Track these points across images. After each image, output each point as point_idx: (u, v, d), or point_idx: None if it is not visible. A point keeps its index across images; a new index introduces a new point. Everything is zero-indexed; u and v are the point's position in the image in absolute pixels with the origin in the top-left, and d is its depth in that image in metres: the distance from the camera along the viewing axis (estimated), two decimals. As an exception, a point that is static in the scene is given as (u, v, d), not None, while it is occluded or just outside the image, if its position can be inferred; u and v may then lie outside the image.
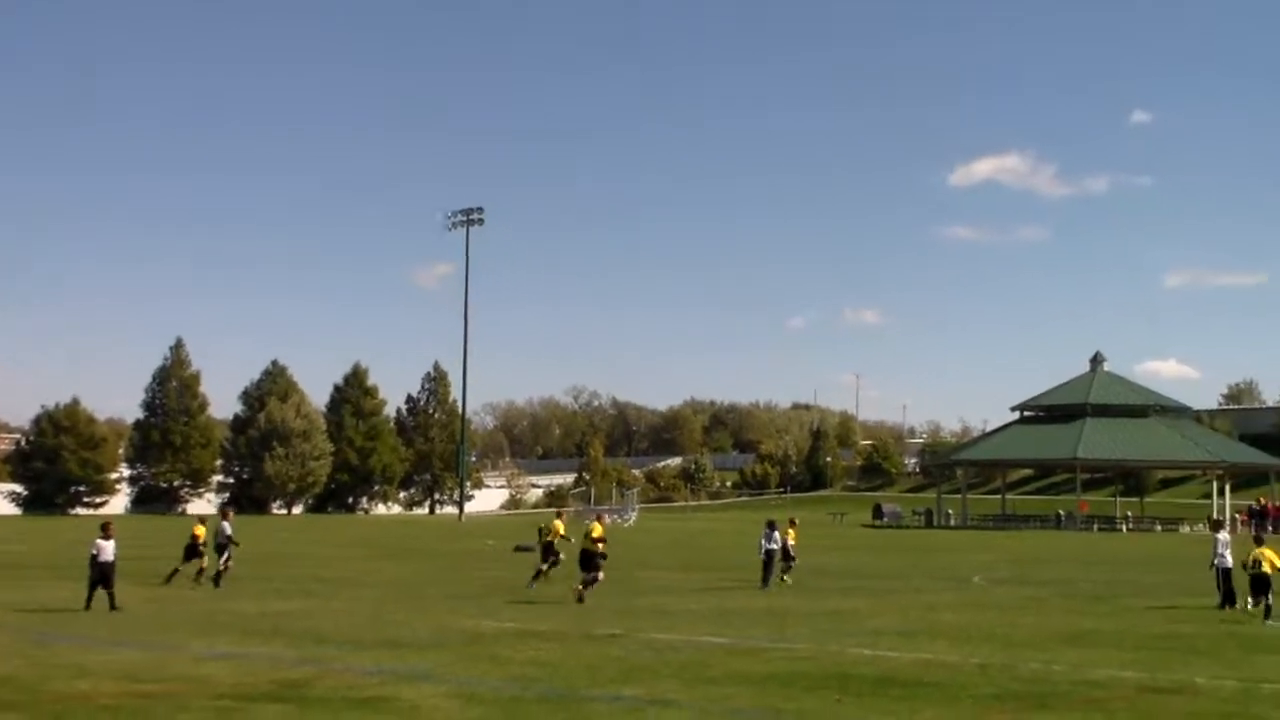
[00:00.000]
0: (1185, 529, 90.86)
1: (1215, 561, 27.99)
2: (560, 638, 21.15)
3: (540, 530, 30.64)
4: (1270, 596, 25.40)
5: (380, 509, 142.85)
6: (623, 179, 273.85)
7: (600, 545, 28.78)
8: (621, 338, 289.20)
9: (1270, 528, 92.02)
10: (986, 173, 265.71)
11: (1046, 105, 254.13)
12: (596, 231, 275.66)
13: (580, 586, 28.13)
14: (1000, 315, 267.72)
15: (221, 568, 31.42)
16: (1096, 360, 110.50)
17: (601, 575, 28.54)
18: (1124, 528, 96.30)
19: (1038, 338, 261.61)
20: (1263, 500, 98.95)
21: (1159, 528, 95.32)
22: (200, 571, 32.05)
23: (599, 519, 31.03)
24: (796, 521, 39.58)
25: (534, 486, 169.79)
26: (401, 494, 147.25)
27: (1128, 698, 15.21)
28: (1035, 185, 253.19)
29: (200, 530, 32.79)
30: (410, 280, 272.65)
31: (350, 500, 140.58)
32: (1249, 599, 26.26)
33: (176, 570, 32.06)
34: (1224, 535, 28.75)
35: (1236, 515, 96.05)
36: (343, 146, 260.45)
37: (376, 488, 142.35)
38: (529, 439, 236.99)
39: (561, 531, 32.47)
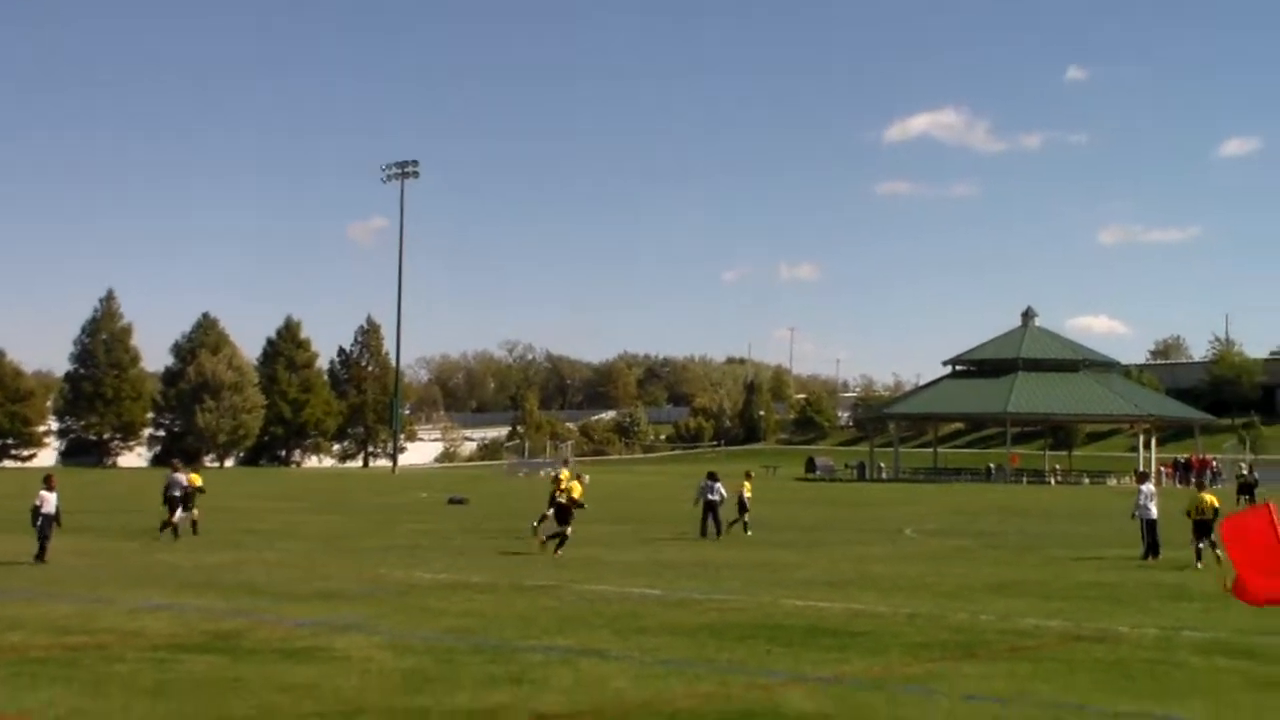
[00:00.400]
0: (1112, 482, 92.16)
1: (1137, 513, 28.54)
2: (493, 589, 21.23)
3: (555, 480, 30.39)
4: (1214, 537, 25.78)
5: (313, 461, 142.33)
6: (557, 133, 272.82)
7: (574, 500, 29.15)
8: (556, 291, 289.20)
9: (1194, 480, 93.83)
10: (921, 128, 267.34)
11: (981, 61, 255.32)
12: (531, 185, 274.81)
13: (546, 538, 28.57)
14: (934, 270, 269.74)
15: (195, 518, 31.67)
16: (1028, 315, 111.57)
17: (570, 532, 28.51)
18: (1053, 480, 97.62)
19: (971, 293, 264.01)
20: (1190, 454, 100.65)
21: (1087, 481, 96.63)
22: (195, 525, 32.61)
23: (579, 478, 31.08)
24: (752, 474, 40.24)
25: (468, 440, 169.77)
26: (335, 447, 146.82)
27: (1053, 646, 15.47)
28: (970, 141, 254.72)
29: (196, 479, 33.51)
30: (345, 234, 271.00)
31: (283, 453, 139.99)
32: (1197, 547, 26.84)
33: (170, 523, 31.45)
34: (1148, 487, 29.30)
35: (1163, 469, 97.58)
36: (276, 99, 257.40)
37: (309, 440, 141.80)
38: (463, 392, 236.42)
39: (578, 494, 30.72)
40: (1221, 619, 17.84)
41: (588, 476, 33.57)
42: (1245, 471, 62.28)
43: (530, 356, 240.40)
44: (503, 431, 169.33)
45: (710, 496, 34.18)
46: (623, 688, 12.42)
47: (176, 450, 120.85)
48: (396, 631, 16.08)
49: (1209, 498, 27.13)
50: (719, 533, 33.86)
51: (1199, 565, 26.23)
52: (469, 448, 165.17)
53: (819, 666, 13.75)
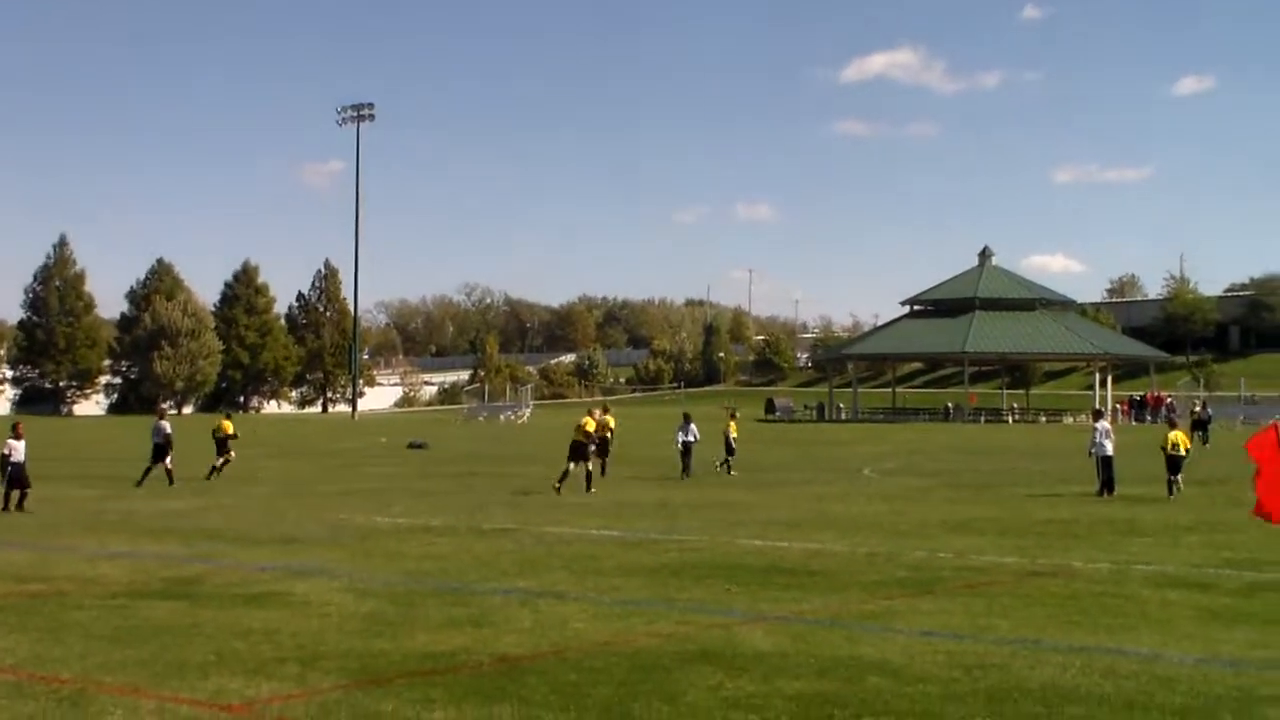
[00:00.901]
0: (1069, 420, 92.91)
1: (1093, 450, 28.82)
2: (452, 532, 21.26)
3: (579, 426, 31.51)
4: (1182, 473, 28.00)
5: (272, 407, 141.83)
6: (513, 75, 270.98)
7: (589, 436, 30.14)
8: (515, 234, 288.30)
9: (1166, 418, 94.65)
10: (878, 68, 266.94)
11: (936, 1, 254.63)
12: (488, 128, 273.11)
13: (558, 482, 29.40)
14: (891, 210, 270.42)
15: (169, 466, 31.69)
16: (985, 255, 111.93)
17: (572, 468, 29.58)
18: (1010, 419, 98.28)
19: (928, 232, 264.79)
20: (1145, 391, 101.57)
21: (1044, 419, 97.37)
22: (225, 465, 34.64)
23: (590, 413, 31.64)
24: (737, 415, 40.77)
25: (427, 384, 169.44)
26: (294, 392, 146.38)
27: (1008, 582, 15.63)
28: (926, 81, 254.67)
29: (228, 425, 35.47)
30: (301, 177, 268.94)
31: (242, 399, 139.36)
32: (1169, 480, 27.95)
33: (215, 467, 34.29)
34: (1103, 424, 29.52)
35: (1119, 406, 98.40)
36: (231, 42, 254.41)
37: (268, 386, 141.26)
38: (423, 337, 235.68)
39: (612, 425, 34.89)
40: (1172, 553, 18.07)
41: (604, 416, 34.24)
42: (1199, 408, 62.93)
43: (489, 300, 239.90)
44: (462, 376, 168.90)
45: (685, 438, 34.85)
46: (582, 628, 12.48)
47: (123, 398, 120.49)
48: (356, 575, 16.10)
49: (1180, 435, 28.63)
50: (684, 472, 34.41)
51: (1171, 497, 27.16)
52: (428, 392, 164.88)
53: (777, 605, 13.86)
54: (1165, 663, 10.84)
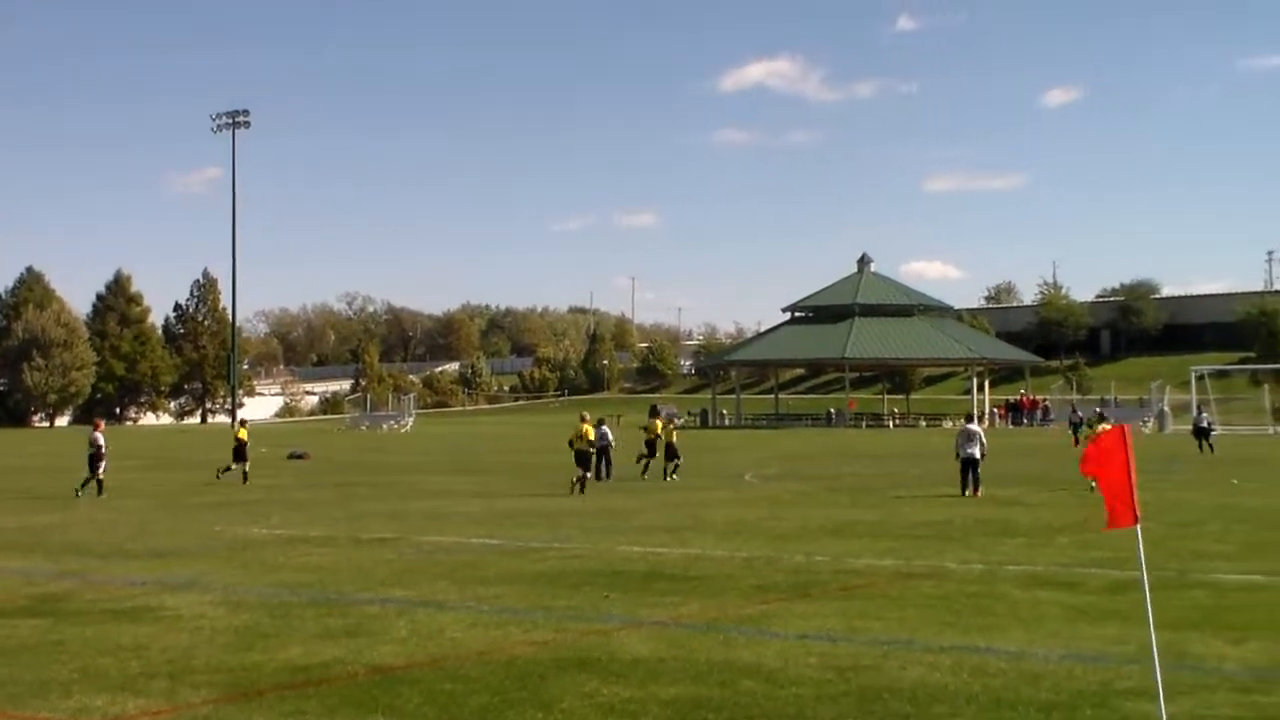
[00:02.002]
0: (947, 424, 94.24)
1: (960, 453, 29.49)
2: (331, 543, 21.04)
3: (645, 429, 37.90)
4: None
5: (149, 419, 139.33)
6: (394, 82, 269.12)
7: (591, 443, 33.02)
8: (396, 242, 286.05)
9: (1025, 420, 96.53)
10: (757, 77, 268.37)
11: (814, 10, 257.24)
12: (369, 135, 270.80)
13: (576, 480, 31.71)
14: (772, 218, 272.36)
15: (100, 475, 31.87)
16: (864, 261, 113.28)
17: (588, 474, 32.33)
18: (891, 424, 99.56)
19: (809, 240, 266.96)
20: (1021, 394, 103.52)
21: (923, 423, 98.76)
22: (245, 475, 36.49)
23: (583, 419, 34.01)
24: (676, 420, 41.73)
25: (309, 394, 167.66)
26: (172, 403, 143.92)
27: (883, 584, 15.83)
28: (804, 90, 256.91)
29: (243, 433, 38.03)
30: (177, 185, 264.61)
31: (118, 410, 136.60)
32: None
33: (229, 468, 37.05)
34: (972, 427, 30.20)
35: (995, 410, 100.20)
36: (105, 48, 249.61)
37: (145, 397, 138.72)
38: (303, 346, 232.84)
39: (658, 430, 37.68)
40: (1043, 553, 18.44)
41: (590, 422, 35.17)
42: (1074, 412, 64.40)
43: (371, 308, 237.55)
44: (344, 385, 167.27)
45: (602, 443, 35.51)
46: (459, 637, 12.43)
47: (14, 411, 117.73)
48: (231, 587, 15.87)
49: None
50: (609, 475, 35.63)
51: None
52: (310, 402, 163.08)
53: (655, 611, 13.91)
54: (1032, 660, 11.06)
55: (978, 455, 29.43)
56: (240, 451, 37.29)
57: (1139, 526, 8.54)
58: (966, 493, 29.05)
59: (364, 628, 12.94)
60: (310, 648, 11.89)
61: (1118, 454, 8.28)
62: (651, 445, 37.69)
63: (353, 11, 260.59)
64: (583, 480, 31.83)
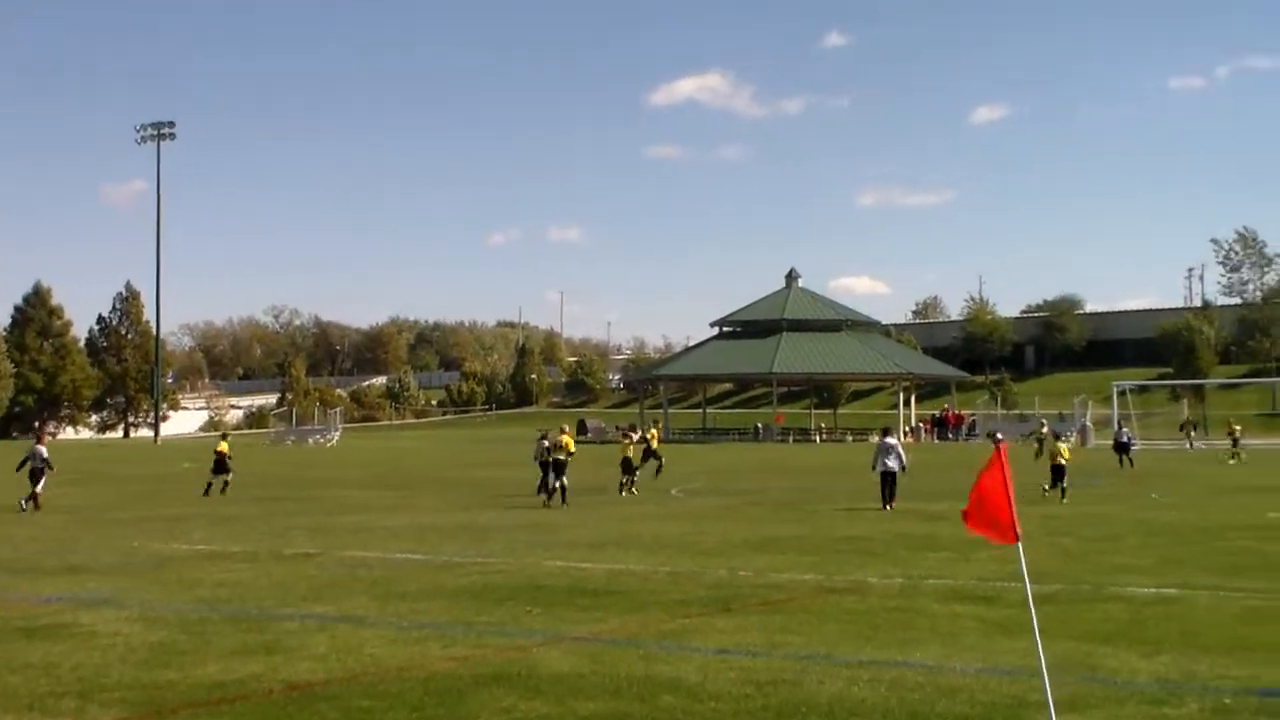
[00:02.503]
0: (873, 438, 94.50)
1: (877, 466, 30.16)
2: (253, 558, 20.84)
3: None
4: (1065, 482, 32.22)
5: (70, 433, 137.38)
6: (321, 94, 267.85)
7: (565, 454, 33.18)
8: (324, 256, 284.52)
9: (951, 435, 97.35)
10: (688, 92, 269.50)
11: (745, 26, 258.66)
12: (295, 148, 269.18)
13: (547, 495, 32.71)
14: (702, 233, 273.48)
15: (39, 490, 31.81)
16: (792, 277, 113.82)
17: (565, 482, 32.79)
18: (818, 439, 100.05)
19: (738, 255, 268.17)
20: (945, 408, 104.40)
21: (850, 438, 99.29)
22: (226, 485, 37.21)
23: (564, 431, 34.31)
24: (658, 423, 42.51)
25: (234, 408, 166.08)
26: (93, 417, 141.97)
27: (805, 598, 15.90)
28: (735, 105, 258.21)
29: (224, 446, 38.49)
30: (101, 198, 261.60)
31: (37, 424, 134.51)
32: (1045, 486, 32.80)
33: (210, 484, 37.26)
34: (890, 440, 30.64)
35: (921, 424, 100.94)
36: (29, 58, 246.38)
37: (66, 411, 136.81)
38: (229, 359, 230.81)
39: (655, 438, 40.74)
40: (964, 568, 18.58)
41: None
42: (1118, 431, 64.81)
43: (298, 322, 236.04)
44: (270, 399, 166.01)
45: (546, 458, 35.24)
46: (378, 653, 12.36)
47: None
48: (148, 604, 15.68)
49: (1063, 447, 33.44)
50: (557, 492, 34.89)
51: (1063, 501, 31.42)
52: (235, 416, 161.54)
53: (577, 626, 13.89)
54: (948, 673, 11.15)
55: (895, 469, 30.05)
56: (221, 464, 37.65)
57: (1020, 544, 8.66)
58: (887, 507, 29.48)
59: (282, 644, 12.83)
60: (226, 665, 11.78)
61: (996, 474, 8.40)
62: (628, 463, 36.89)
63: (281, 23, 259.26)
64: (547, 489, 32.91)
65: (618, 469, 36.42)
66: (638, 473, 37.42)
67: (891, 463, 30.12)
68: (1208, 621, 13.81)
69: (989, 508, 8.43)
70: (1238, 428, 60.65)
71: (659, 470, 40.33)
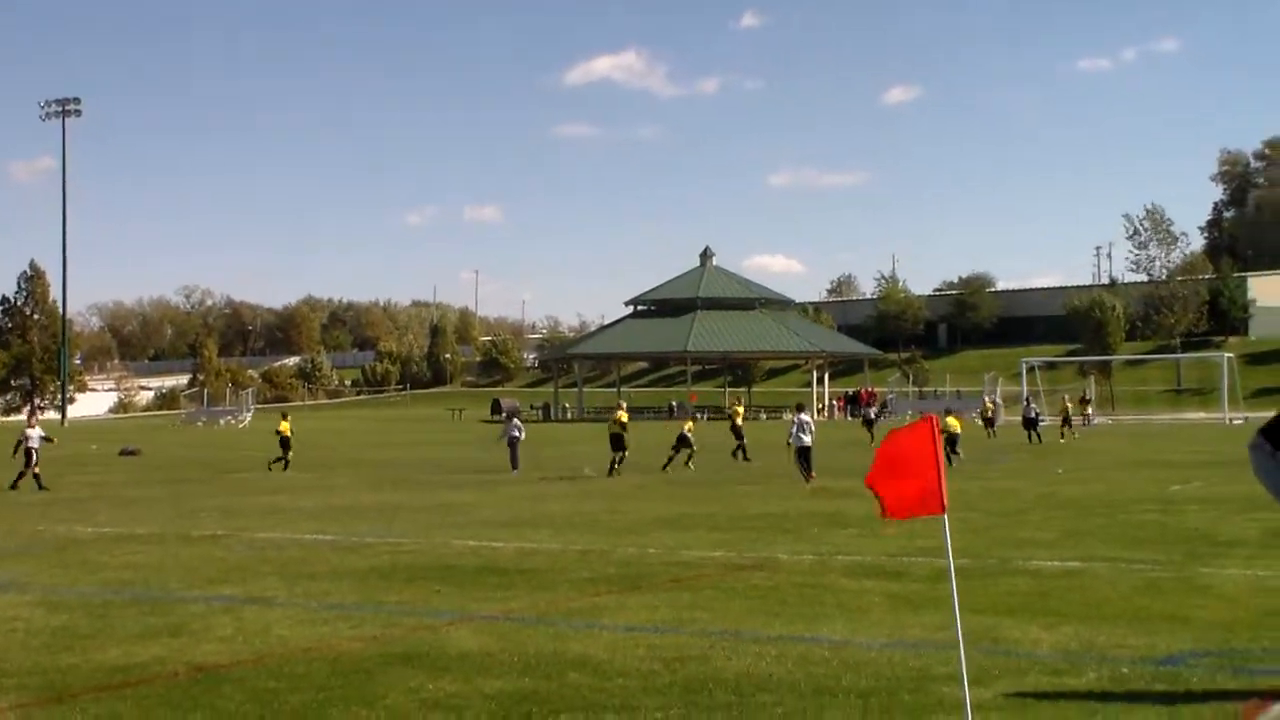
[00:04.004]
0: (788, 416, 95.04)
1: (791, 440, 30.80)
2: (159, 540, 20.60)
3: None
4: (958, 449, 35.85)
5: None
6: (233, 72, 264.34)
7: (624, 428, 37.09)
8: (236, 235, 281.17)
9: (863, 412, 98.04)
10: (603, 71, 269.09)
11: (659, 6, 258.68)
12: (206, 124, 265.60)
13: (612, 465, 35.58)
14: (617, 212, 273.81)
15: (34, 469, 32.39)
16: (706, 255, 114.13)
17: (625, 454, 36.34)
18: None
19: (653, 234, 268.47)
20: (863, 387, 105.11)
21: (764, 416, 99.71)
22: (279, 460, 39.21)
23: (620, 407, 39.01)
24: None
25: (144, 389, 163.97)
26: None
27: (714, 575, 15.96)
28: (649, 85, 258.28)
29: (285, 426, 40.51)
30: (7, 175, 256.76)
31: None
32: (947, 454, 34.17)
33: (279, 459, 39.37)
34: (804, 417, 31.04)
35: (835, 401, 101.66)
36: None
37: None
38: (139, 340, 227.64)
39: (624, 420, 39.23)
40: (873, 543, 18.74)
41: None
42: (1026, 407, 65.14)
43: (209, 302, 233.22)
44: (181, 380, 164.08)
45: (513, 433, 37.96)
46: (285, 634, 12.26)
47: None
48: (50, 588, 15.45)
49: (953, 420, 37.02)
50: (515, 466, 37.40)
51: (951, 466, 32.59)
52: (146, 397, 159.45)
53: (486, 605, 13.87)
54: (855, 648, 11.25)
55: (809, 443, 30.75)
56: (286, 443, 39.95)
57: (945, 516, 8.69)
58: (809, 481, 29.91)
59: (187, 626, 12.69)
60: (129, 648, 11.63)
61: (927, 445, 8.46)
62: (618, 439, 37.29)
63: (192, 2, 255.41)
64: (614, 462, 35.76)
65: (483, 450, 37.38)
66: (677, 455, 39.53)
67: (806, 438, 30.82)
68: (1108, 593, 14.03)
69: (915, 478, 8.45)
70: (1069, 405, 61.53)
71: (690, 458, 40.23)
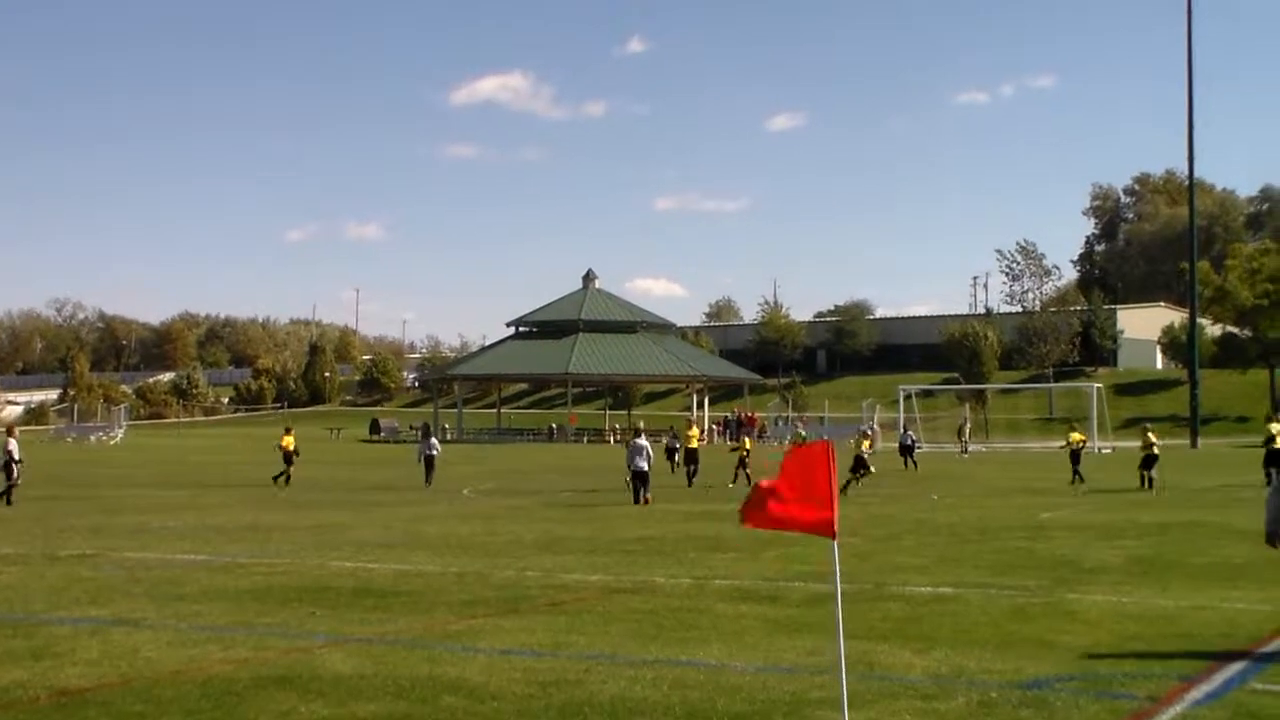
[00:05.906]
0: (664, 439, 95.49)
1: (631, 465, 32.63)
2: (24, 560, 20.09)
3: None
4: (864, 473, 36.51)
5: None
6: (106, 80, 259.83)
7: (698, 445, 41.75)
8: (110, 249, 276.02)
9: (742, 435, 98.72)
10: (488, 92, 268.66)
11: (546, 28, 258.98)
12: (84, 134, 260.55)
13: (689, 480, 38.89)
14: (500, 233, 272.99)
15: (16, 482, 31.80)
16: (589, 278, 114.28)
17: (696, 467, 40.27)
18: (612, 439, 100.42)
19: (537, 255, 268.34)
20: (738, 410, 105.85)
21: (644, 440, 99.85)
22: (283, 474, 39.24)
23: (690, 424, 43.14)
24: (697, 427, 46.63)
25: (12, 403, 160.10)
26: None
27: (592, 599, 15.96)
28: (535, 107, 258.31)
29: (288, 441, 40.64)
30: None
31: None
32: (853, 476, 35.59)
33: (283, 473, 39.35)
34: (640, 441, 32.95)
35: (714, 425, 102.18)
36: None
37: None
38: (7, 353, 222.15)
39: (695, 438, 43.75)
40: (751, 567, 18.87)
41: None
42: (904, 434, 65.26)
43: (82, 316, 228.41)
44: (51, 394, 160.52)
45: (429, 452, 40.50)
46: (154, 656, 12.04)
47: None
48: (-92, 609, 15.01)
49: (865, 444, 38.37)
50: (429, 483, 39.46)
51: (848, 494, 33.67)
52: (13, 412, 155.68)
53: (362, 627, 13.74)
54: (730, 672, 11.31)
55: (646, 468, 32.51)
56: (288, 457, 40.18)
57: (836, 542, 8.79)
58: (640, 501, 31.69)
59: (51, 649, 12.40)
60: (-10, 671, 11.34)
61: (822, 469, 8.55)
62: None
63: (75, 2, 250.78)
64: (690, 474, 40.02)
65: (389, 470, 37.04)
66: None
67: (642, 462, 32.38)
68: (979, 619, 14.25)
69: (810, 501, 8.52)
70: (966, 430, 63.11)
71: (693, 476, 40.91)
